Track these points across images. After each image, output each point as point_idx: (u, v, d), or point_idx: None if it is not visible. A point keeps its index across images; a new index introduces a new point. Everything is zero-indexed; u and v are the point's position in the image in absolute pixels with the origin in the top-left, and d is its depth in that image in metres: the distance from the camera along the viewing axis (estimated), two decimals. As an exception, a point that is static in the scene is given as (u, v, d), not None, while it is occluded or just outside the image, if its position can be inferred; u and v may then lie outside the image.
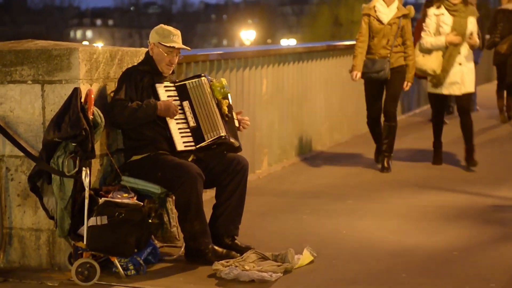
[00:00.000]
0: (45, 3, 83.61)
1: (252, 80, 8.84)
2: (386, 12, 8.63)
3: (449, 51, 8.63)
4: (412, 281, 5.18)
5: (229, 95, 5.79)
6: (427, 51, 8.71)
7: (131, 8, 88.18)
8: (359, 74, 8.66)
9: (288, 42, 58.10)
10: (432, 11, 8.77)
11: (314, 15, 67.30)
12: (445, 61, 8.63)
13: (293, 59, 9.89)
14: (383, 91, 8.87)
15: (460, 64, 8.66)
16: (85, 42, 64.16)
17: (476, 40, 8.68)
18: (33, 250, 5.47)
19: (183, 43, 5.74)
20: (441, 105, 9.05)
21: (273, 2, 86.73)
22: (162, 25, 5.72)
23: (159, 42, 5.61)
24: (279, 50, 9.85)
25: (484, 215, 6.85)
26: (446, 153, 9.27)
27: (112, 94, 5.57)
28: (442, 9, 8.69)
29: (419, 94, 15.18)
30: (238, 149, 5.82)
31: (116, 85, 5.60)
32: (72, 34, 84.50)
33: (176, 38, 5.65)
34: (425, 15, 12.63)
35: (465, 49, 8.68)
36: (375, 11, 8.65)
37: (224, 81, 5.76)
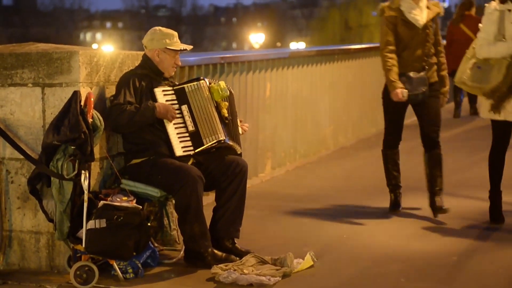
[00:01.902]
0: (55, 5, 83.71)
1: (256, 83, 8.84)
2: (419, 13, 6.61)
3: None
4: (411, 286, 5.17)
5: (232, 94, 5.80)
6: (483, 63, 6.32)
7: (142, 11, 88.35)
8: (405, 91, 6.57)
9: (298, 45, 58.25)
10: (493, 5, 6.26)
11: (324, 18, 67.33)
12: (509, 75, 6.19)
13: (296, 62, 9.88)
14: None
15: None
16: (95, 45, 64.33)
17: None
18: (33, 252, 5.49)
19: (193, 45, 5.83)
20: (503, 137, 6.48)
21: (283, 5, 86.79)
22: (160, 28, 5.72)
23: (166, 48, 5.63)
24: (283, 54, 9.84)
25: (485, 220, 6.82)
26: (452, 153, 8.90)
27: (111, 98, 5.58)
28: (509, 4, 6.20)
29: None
30: (239, 153, 5.81)
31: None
32: (81, 36, 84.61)
33: (177, 39, 5.69)
34: (458, 16, 12.15)
35: None
36: (402, 12, 6.60)
37: (223, 83, 5.76)
